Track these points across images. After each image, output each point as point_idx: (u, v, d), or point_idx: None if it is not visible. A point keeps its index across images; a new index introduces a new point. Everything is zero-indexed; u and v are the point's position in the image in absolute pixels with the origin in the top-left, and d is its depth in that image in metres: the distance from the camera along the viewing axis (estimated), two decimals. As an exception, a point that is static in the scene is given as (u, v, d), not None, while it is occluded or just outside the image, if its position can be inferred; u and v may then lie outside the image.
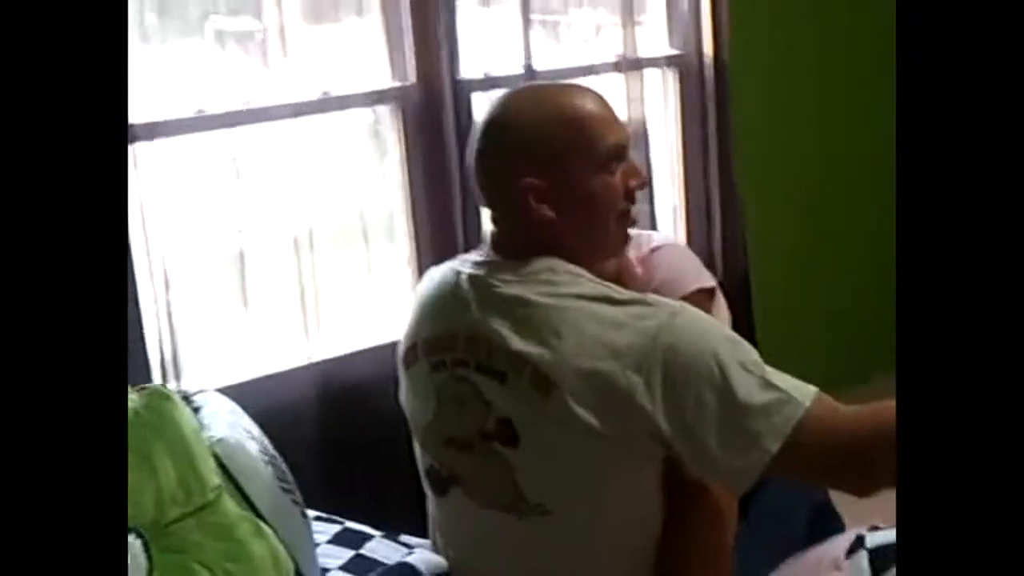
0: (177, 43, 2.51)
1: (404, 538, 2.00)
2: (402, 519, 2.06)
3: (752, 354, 1.45)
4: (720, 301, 2.43)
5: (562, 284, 1.50)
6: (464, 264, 1.61)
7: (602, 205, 1.55)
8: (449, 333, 1.57)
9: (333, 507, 2.15)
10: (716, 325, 1.50)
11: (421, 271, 2.84)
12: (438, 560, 1.77)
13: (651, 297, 1.52)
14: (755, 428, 1.39)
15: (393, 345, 2.73)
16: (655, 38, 3.30)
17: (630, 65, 3.16)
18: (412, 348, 1.64)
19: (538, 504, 1.51)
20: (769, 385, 1.42)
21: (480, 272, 1.56)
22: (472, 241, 2.84)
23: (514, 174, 1.52)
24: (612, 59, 3.14)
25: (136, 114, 2.35)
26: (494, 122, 1.57)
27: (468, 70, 2.88)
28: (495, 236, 1.60)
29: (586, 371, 1.43)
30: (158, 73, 2.42)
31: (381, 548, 1.96)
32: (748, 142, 3.39)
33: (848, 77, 3.73)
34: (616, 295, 1.49)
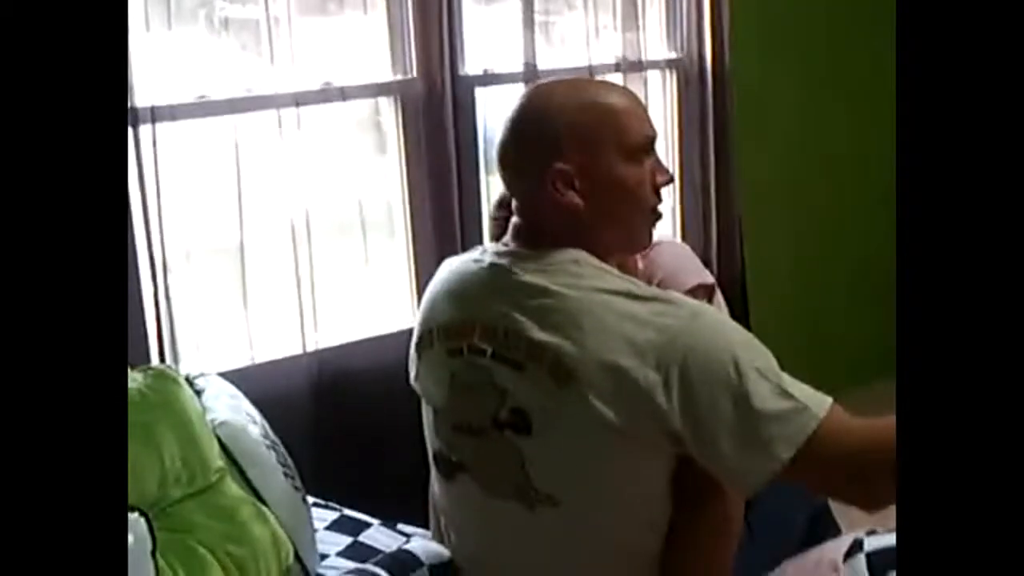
0: (180, 30, 2.51)
1: (401, 527, 2.00)
2: (397, 507, 2.06)
3: (770, 360, 1.46)
4: (719, 298, 2.44)
5: (586, 277, 1.50)
6: (485, 253, 1.60)
7: (630, 195, 1.55)
8: (467, 320, 1.56)
9: (328, 494, 2.15)
10: (736, 329, 1.49)
11: (419, 264, 2.85)
12: (437, 548, 1.77)
13: (674, 295, 1.52)
14: (768, 435, 1.40)
15: (389, 337, 2.78)
16: (655, 41, 3.31)
17: (630, 67, 3.17)
18: (428, 333, 1.64)
19: (547, 495, 1.51)
20: (785, 393, 1.42)
21: (503, 261, 1.56)
22: (470, 235, 2.84)
23: (543, 161, 1.51)
24: (612, 61, 3.15)
25: (139, 98, 2.34)
26: (526, 109, 1.56)
27: (469, 66, 2.89)
28: (519, 226, 1.59)
29: (606, 365, 1.43)
30: (160, 59, 2.41)
31: (379, 536, 1.96)
32: (746, 145, 3.41)
33: (848, 79, 3.76)
34: (639, 291, 1.49)
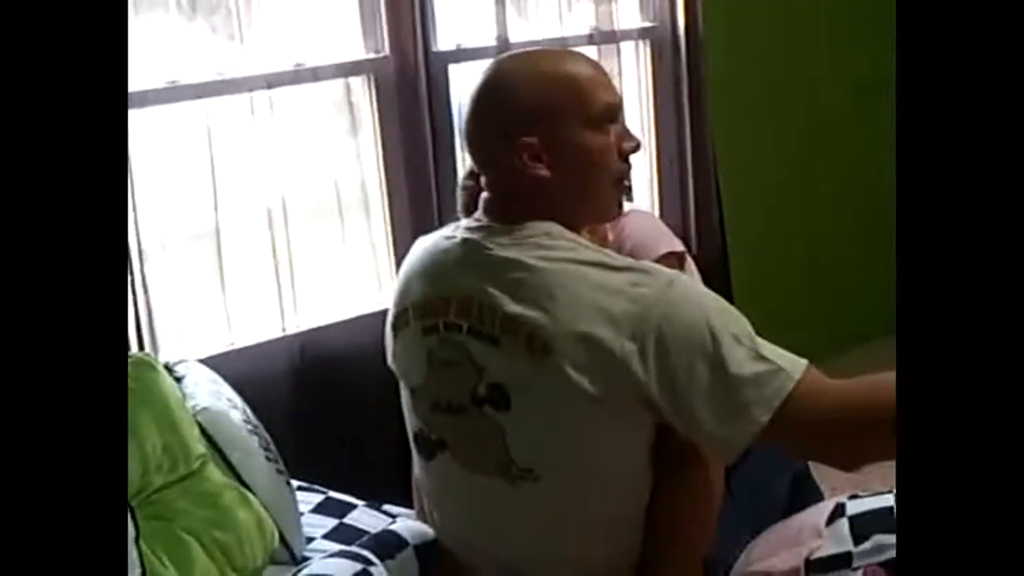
0: (147, 15, 2.48)
1: (387, 507, 2.01)
2: (381, 488, 2.07)
3: (745, 326, 1.46)
4: (690, 265, 2.45)
5: (558, 248, 1.49)
6: (457, 230, 1.60)
7: (596, 163, 1.54)
8: (441, 297, 1.56)
9: (313, 476, 2.15)
10: (710, 296, 1.50)
11: (396, 243, 2.84)
12: (422, 528, 1.77)
13: (647, 265, 1.52)
14: (745, 399, 1.40)
15: (369, 317, 2.77)
16: (628, 11, 3.29)
17: (603, 38, 3.16)
18: (403, 312, 1.63)
19: (528, 469, 1.51)
20: (760, 357, 1.42)
21: (474, 236, 1.55)
22: (447, 213, 2.83)
23: (509, 134, 1.50)
24: (585, 32, 3.13)
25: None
26: (488, 85, 1.56)
27: (442, 42, 2.88)
28: (488, 201, 1.59)
29: (581, 336, 1.43)
30: (130, 45, 2.39)
31: (364, 517, 1.97)
32: (722, 114, 3.40)
33: (825, 44, 3.75)
34: (613, 262, 1.49)
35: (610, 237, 2.33)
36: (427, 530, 1.76)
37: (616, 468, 1.53)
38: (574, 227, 1.55)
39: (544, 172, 1.51)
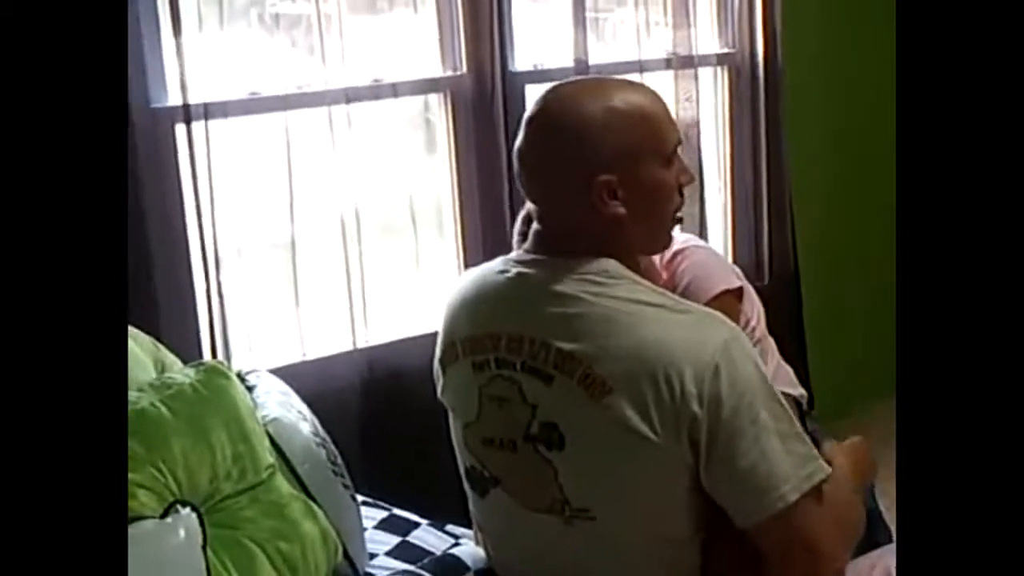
0: (232, 28, 2.52)
1: (450, 527, 2.00)
2: (446, 507, 2.05)
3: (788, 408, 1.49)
4: (750, 297, 2.41)
5: (618, 287, 1.48)
6: (507, 263, 1.57)
7: (666, 201, 1.55)
8: (492, 332, 1.54)
9: (378, 492, 2.15)
10: (762, 366, 1.49)
11: (468, 262, 2.84)
12: (483, 554, 1.76)
13: (708, 310, 1.54)
14: (783, 471, 1.42)
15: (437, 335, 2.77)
16: (706, 36, 3.28)
17: (681, 63, 3.15)
18: (451, 346, 1.61)
19: (583, 508, 1.49)
20: (800, 438, 1.46)
21: (528, 270, 1.53)
22: (521, 235, 2.83)
23: (585, 173, 1.47)
24: (663, 56, 3.12)
25: (192, 95, 2.35)
26: (554, 120, 1.51)
27: (519, 62, 2.88)
28: (542, 234, 1.55)
29: (639, 375, 1.42)
30: (213, 57, 2.43)
31: (427, 536, 1.96)
32: (799, 142, 3.37)
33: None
34: (673, 304, 1.49)
35: (664, 276, 2.30)
36: (487, 557, 1.75)
37: (672, 512, 1.51)
38: (631, 260, 1.54)
39: (621, 210, 1.49)
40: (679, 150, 1.56)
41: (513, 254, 1.60)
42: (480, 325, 1.57)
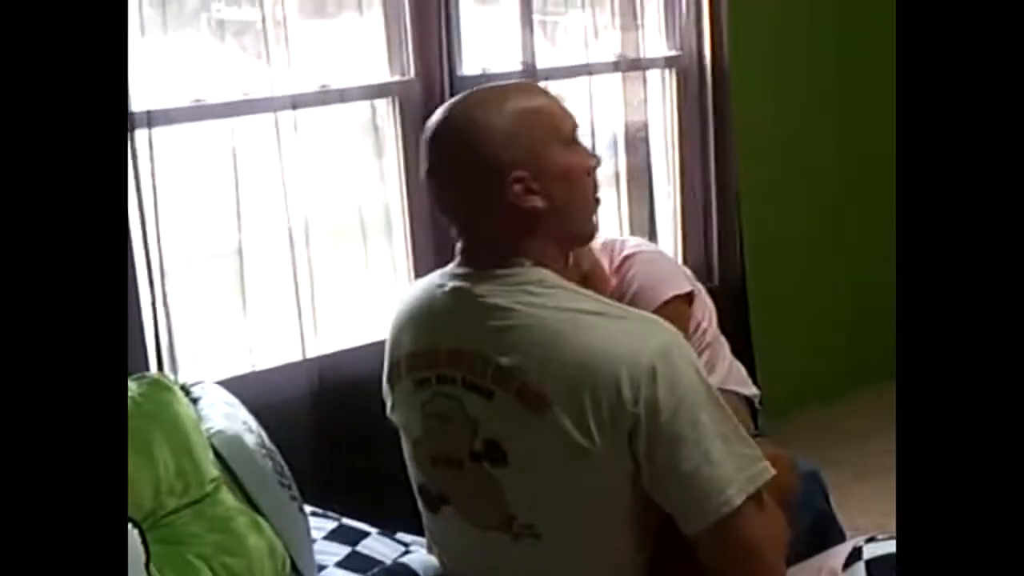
0: (176, 34, 2.49)
1: (400, 536, 1.99)
2: (397, 516, 2.04)
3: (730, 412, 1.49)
4: (701, 299, 2.41)
5: (553, 297, 1.47)
6: (443, 277, 1.57)
7: (578, 180, 1.55)
8: (431, 348, 1.53)
9: (328, 503, 2.13)
10: (702, 371, 1.49)
11: (418, 268, 2.83)
12: (434, 562, 1.75)
13: (647, 315, 1.54)
14: (725, 474, 1.42)
15: (389, 341, 2.76)
16: (654, 39, 3.29)
17: (629, 65, 3.16)
18: (396, 366, 1.61)
19: (528, 525, 1.49)
20: (744, 440, 1.46)
21: (462, 284, 1.52)
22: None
23: (496, 173, 1.48)
24: (611, 59, 3.13)
25: (135, 102, 2.33)
26: (453, 130, 1.53)
27: (467, 66, 2.87)
28: (468, 249, 1.55)
29: (576, 387, 1.41)
30: (156, 63, 2.40)
31: (377, 545, 1.95)
32: (747, 143, 3.39)
33: (848, 76, 3.73)
34: (611, 311, 1.49)
35: (612, 282, 2.30)
36: (438, 565, 1.74)
37: (618, 523, 1.50)
38: (563, 255, 1.55)
39: (539, 203, 1.49)
40: (576, 135, 1.58)
41: (449, 267, 1.59)
42: (420, 341, 1.56)
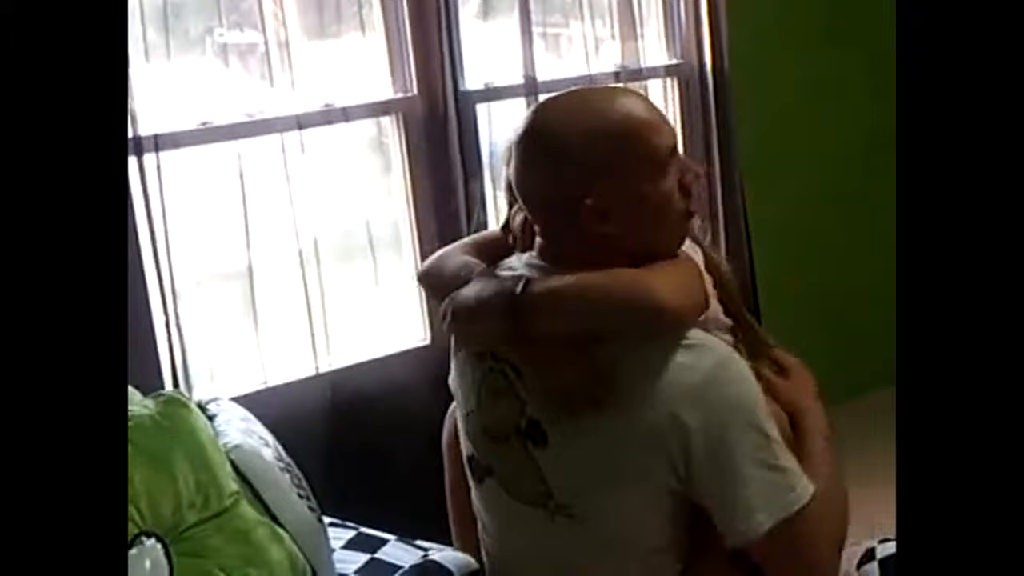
0: (181, 59, 2.52)
1: (419, 542, 2.00)
2: (413, 525, 2.06)
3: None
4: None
5: None
6: (519, 262, 1.57)
7: (663, 212, 1.49)
8: None
9: (345, 515, 2.14)
10: (754, 385, 1.47)
11: (426, 282, 2.84)
12: (465, 559, 1.77)
13: (703, 336, 1.49)
14: (762, 503, 1.41)
15: (399, 355, 2.78)
16: (654, 48, 3.31)
17: (630, 76, 3.18)
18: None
19: (564, 505, 1.51)
20: (782, 464, 1.44)
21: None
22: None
23: (571, 197, 1.45)
24: (612, 69, 3.15)
25: (142, 127, 2.35)
26: (538, 139, 1.49)
27: (470, 81, 2.90)
28: (542, 246, 1.55)
29: (626, 387, 1.43)
30: (162, 88, 2.43)
31: (397, 552, 1.96)
32: (750, 151, 3.40)
33: (849, 83, 3.75)
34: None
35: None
36: (470, 560, 1.78)
37: (654, 516, 1.51)
38: (644, 263, 1.50)
39: (610, 230, 1.47)
40: (673, 151, 1.50)
41: (526, 256, 1.58)
42: None
